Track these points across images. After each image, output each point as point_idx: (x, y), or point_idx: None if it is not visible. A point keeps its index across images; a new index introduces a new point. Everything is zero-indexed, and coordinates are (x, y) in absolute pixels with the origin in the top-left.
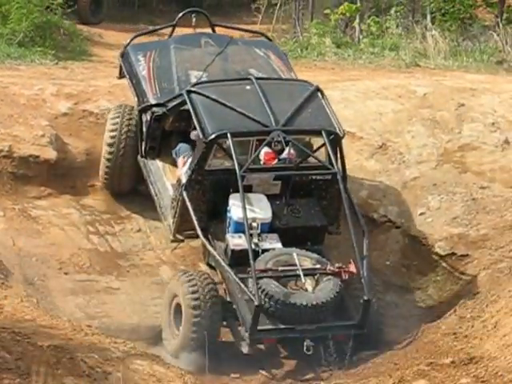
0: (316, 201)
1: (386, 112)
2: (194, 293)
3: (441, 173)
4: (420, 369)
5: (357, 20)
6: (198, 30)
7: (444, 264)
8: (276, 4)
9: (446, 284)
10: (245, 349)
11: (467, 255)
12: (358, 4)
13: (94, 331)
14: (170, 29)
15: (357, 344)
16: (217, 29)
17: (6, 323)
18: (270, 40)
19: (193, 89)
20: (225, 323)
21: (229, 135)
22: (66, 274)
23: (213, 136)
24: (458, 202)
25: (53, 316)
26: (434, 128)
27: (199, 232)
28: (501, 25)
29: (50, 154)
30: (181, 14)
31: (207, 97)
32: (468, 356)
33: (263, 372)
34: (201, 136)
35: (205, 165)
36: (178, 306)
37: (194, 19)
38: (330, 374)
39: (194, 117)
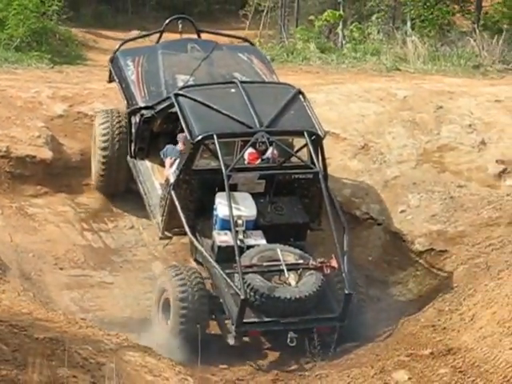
0: (298, 199)
1: (368, 114)
2: (181, 286)
3: (420, 172)
4: (400, 360)
5: (340, 26)
6: (185, 36)
7: (423, 259)
8: (263, 11)
9: (426, 278)
10: (231, 341)
11: (445, 251)
12: (341, 11)
13: (88, 324)
14: (157, 34)
15: (340, 336)
16: (202, 34)
17: (3, 316)
18: (253, 45)
19: (180, 92)
20: (212, 317)
21: (215, 136)
22: (61, 269)
23: (199, 137)
24: (436, 200)
25: (48, 309)
26: (413, 129)
27: (187, 229)
28: (477, 31)
29: (46, 154)
30: (168, 21)
31: (194, 100)
32: (446, 347)
33: (250, 363)
34: (188, 137)
35: (192, 165)
36: (167, 300)
37: (180, 25)
38: (314, 365)
39: (181, 119)
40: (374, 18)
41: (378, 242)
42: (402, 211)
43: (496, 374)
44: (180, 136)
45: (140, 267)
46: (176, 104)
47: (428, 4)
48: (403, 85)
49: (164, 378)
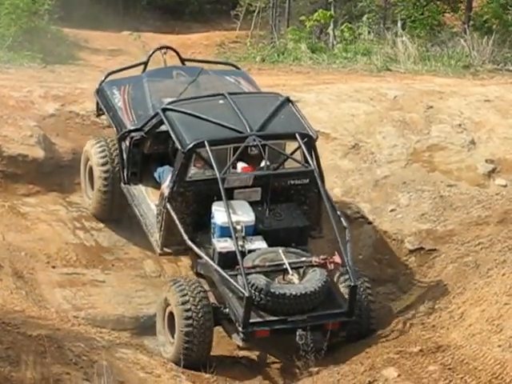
0: (296, 205)
1: (358, 114)
2: (184, 303)
3: (410, 172)
4: (390, 357)
5: (331, 26)
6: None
7: (413, 258)
8: (254, 11)
9: (415, 277)
10: (239, 342)
11: (435, 250)
12: (332, 11)
13: (80, 322)
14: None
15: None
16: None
17: None
18: (239, 69)
19: (168, 106)
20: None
21: (206, 143)
22: (53, 267)
23: (190, 145)
24: (426, 199)
25: (41, 307)
26: (403, 129)
27: (186, 237)
28: (468, 31)
29: (38, 153)
30: (151, 51)
31: (182, 112)
32: (435, 345)
33: (241, 361)
34: (179, 147)
35: (185, 176)
36: (171, 314)
37: (164, 55)
38: (305, 362)
39: (170, 132)
40: (364, 18)
41: (368, 241)
42: (392, 210)
43: (485, 371)
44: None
45: (131, 265)
46: (164, 118)
47: (418, 4)
48: (394, 85)
49: (156, 375)
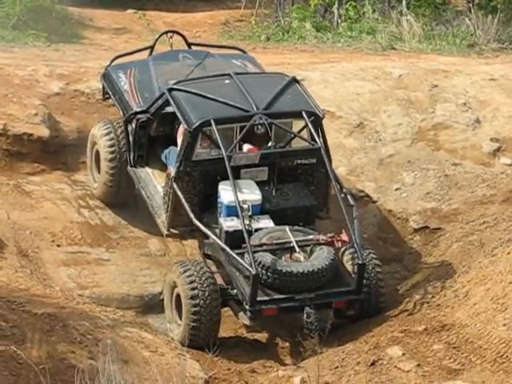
0: (303, 185)
1: (363, 92)
2: (191, 283)
3: (415, 150)
4: (394, 336)
5: (336, 5)
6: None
7: (418, 237)
8: None
9: (420, 256)
10: (247, 321)
11: (440, 228)
12: None
13: (85, 300)
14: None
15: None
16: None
17: (1, 293)
18: (246, 53)
19: (174, 86)
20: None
21: (212, 122)
22: (58, 246)
23: (197, 124)
24: (431, 178)
25: (46, 286)
26: (408, 108)
27: (192, 216)
28: (472, 10)
29: (43, 131)
30: (158, 35)
31: (188, 92)
32: (440, 324)
33: (245, 338)
34: (185, 126)
35: (192, 155)
36: (179, 296)
37: (171, 40)
38: (310, 341)
39: (176, 111)
40: None
41: (373, 220)
42: (397, 189)
43: (489, 350)
44: (179, 132)
45: (136, 244)
46: (170, 98)
47: None
48: (398, 63)
49: (160, 354)
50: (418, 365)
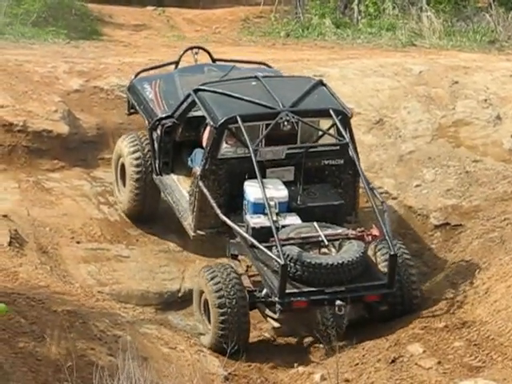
0: (331, 186)
1: (382, 89)
2: (218, 291)
3: (435, 147)
4: (415, 332)
5: (355, 1)
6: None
7: (438, 233)
8: None
9: (440, 252)
10: (276, 324)
11: (460, 225)
12: None
13: (105, 297)
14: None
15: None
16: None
17: (21, 289)
18: (270, 67)
19: (199, 87)
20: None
21: (238, 118)
22: (78, 242)
23: (222, 121)
24: (451, 174)
25: (66, 282)
26: (428, 104)
27: (218, 212)
28: (493, 6)
29: (63, 128)
30: (183, 51)
31: (214, 92)
32: (461, 321)
33: (265, 334)
34: (211, 123)
35: (217, 153)
36: (207, 301)
37: (196, 55)
38: (328, 337)
39: (203, 110)
40: None
41: (392, 216)
42: (417, 186)
43: (511, 347)
44: (204, 135)
45: (155, 240)
46: (196, 98)
47: None
48: (418, 60)
49: (180, 351)
50: (439, 362)
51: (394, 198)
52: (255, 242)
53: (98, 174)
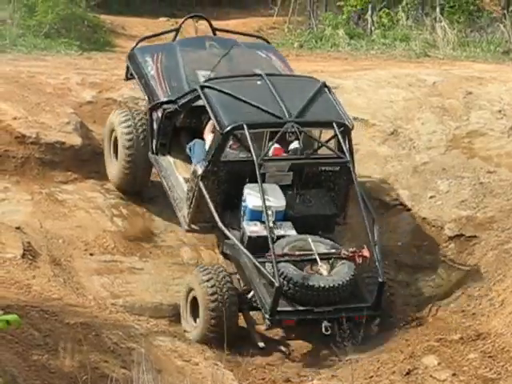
0: (325, 191)
1: (397, 100)
2: (213, 294)
3: (449, 158)
4: (430, 345)
5: (369, 12)
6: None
7: (453, 245)
8: None
9: (455, 264)
10: (265, 326)
11: (475, 236)
12: None
13: (118, 309)
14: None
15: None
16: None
17: (34, 302)
18: (269, 43)
19: (206, 84)
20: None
21: (245, 126)
22: (91, 254)
23: (229, 128)
24: (466, 185)
25: (79, 295)
26: (442, 115)
27: (216, 217)
28: (507, 16)
29: (76, 140)
30: (183, 19)
31: (221, 91)
32: (476, 332)
33: (282, 348)
34: (217, 128)
35: (221, 156)
36: (195, 299)
37: (196, 24)
38: (344, 350)
39: (209, 110)
40: (403, 3)
41: (407, 228)
42: (432, 197)
43: None
44: (206, 129)
45: (169, 253)
46: (203, 96)
47: None
48: (432, 71)
49: (194, 363)
50: (454, 374)
51: (409, 210)
52: (252, 259)
53: (111, 187)
